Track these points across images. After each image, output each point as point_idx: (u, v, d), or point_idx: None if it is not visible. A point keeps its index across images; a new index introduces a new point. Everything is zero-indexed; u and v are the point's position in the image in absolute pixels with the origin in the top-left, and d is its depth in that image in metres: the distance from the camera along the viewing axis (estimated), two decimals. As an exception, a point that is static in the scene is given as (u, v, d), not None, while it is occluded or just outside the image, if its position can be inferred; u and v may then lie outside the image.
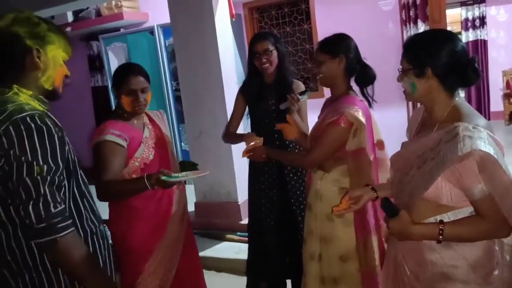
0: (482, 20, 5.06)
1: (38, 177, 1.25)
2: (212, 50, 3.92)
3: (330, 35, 2.07)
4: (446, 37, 1.46)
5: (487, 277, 1.43)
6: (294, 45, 5.87)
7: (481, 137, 1.31)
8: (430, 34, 1.55)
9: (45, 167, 1.26)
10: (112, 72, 2.21)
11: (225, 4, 4.03)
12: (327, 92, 5.42)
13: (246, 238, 3.83)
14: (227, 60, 4.03)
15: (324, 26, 5.44)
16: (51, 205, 1.26)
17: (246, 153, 2.38)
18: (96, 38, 6.55)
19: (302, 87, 2.66)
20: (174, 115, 6.20)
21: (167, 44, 6.03)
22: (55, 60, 1.43)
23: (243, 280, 2.94)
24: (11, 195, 1.26)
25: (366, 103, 2.05)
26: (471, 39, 5.10)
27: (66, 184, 1.38)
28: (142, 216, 2.08)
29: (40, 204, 1.24)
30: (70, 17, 6.24)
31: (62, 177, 1.32)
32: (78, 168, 1.45)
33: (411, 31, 4.84)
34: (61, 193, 1.32)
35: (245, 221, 4.08)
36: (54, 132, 1.30)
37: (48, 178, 1.26)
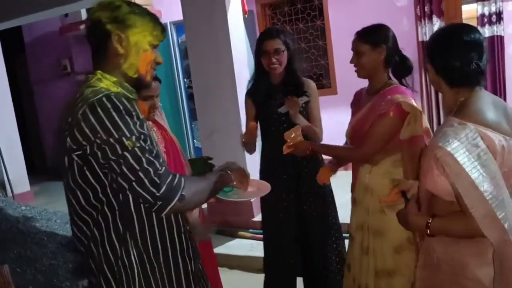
0: (499, 15, 4.95)
1: (135, 148, 1.19)
2: (224, 47, 3.91)
3: (369, 25, 2.03)
4: (449, 33, 1.45)
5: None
6: (307, 42, 5.83)
7: (457, 134, 1.31)
8: (440, 30, 1.55)
9: (134, 138, 1.20)
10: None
11: (237, 0, 4.03)
12: (340, 89, 5.40)
13: (259, 236, 3.85)
14: (239, 57, 4.02)
15: (338, 22, 5.40)
16: (158, 167, 1.20)
17: (287, 148, 2.22)
18: (109, 36, 6.59)
19: (312, 86, 2.50)
20: (186, 113, 6.22)
21: (179, 41, 6.05)
22: (137, 45, 1.34)
23: (255, 277, 2.94)
24: (117, 181, 1.21)
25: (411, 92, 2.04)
26: (487, 35, 4.99)
27: None
28: None
29: (150, 172, 1.19)
30: (83, 15, 6.28)
31: (153, 145, 1.25)
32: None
33: (426, 27, 4.77)
34: (160, 159, 1.25)
35: (257, 218, 4.09)
36: (131, 109, 1.24)
37: (143, 146, 1.21)
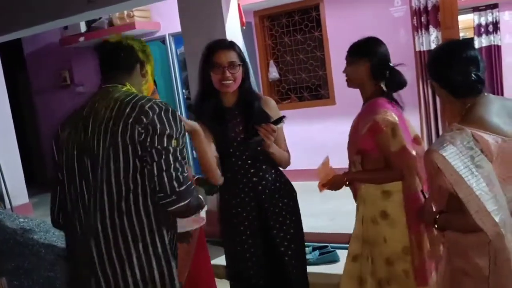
0: (496, 25, 5.02)
1: (177, 148, 1.43)
2: (223, 58, 3.92)
3: (362, 38, 2.09)
4: (447, 51, 1.59)
5: None
6: (305, 53, 5.87)
7: (453, 138, 1.45)
8: (438, 49, 1.69)
9: (180, 141, 1.46)
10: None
11: (235, 12, 4.05)
12: (338, 99, 5.42)
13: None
14: (238, 68, 4.03)
15: (335, 33, 5.44)
16: (185, 171, 1.43)
17: (323, 186, 2.06)
18: (109, 48, 6.63)
19: (273, 104, 2.15)
20: (185, 123, 6.23)
21: (178, 53, 6.08)
22: (150, 75, 1.71)
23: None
24: (149, 167, 1.40)
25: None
26: (484, 44, 5.06)
27: None
28: None
29: (179, 170, 1.41)
30: (83, 28, 6.32)
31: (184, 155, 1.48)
32: None
33: (423, 37, 4.80)
34: (186, 167, 1.47)
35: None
36: (180, 118, 1.52)
37: (182, 150, 1.45)
